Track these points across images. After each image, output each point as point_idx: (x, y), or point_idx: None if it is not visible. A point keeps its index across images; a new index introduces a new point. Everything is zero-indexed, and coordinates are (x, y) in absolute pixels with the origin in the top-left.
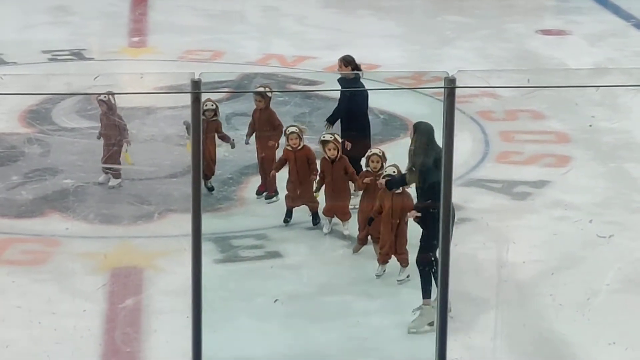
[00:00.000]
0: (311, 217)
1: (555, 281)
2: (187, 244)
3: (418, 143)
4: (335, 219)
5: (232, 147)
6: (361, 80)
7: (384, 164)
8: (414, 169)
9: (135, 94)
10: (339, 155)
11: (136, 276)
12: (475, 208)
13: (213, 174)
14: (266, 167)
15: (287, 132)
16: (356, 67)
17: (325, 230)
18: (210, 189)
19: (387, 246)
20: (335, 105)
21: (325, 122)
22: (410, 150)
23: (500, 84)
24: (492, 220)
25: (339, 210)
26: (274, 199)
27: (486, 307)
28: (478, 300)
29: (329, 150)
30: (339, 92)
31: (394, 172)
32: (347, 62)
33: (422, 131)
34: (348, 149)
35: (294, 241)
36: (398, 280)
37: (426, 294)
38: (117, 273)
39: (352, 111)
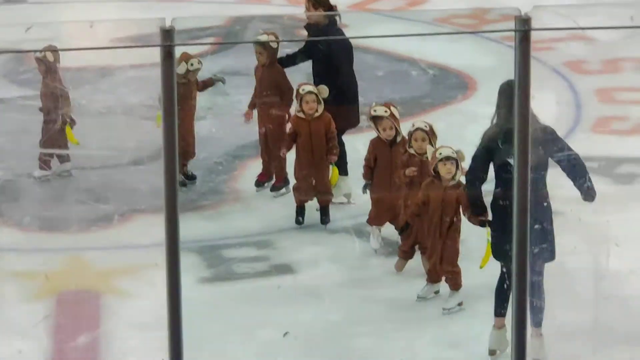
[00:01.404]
0: (319, 213)
1: None
2: (161, 257)
3: (498, 109)
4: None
5: (223, 82)
6: (338, 26)
7: (432, 142)
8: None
9: (84, 49)
10: (398, 135)
11: (91, 303)
12: (562, 197)
13: (193, 157)
14: (271, 146)
15: (301, 92)
16: (330, 9)
17: (373, 244)
18: (190, 178)
19: (434, 257)
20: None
21: None
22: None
23: (594, 22)
24: (587, 214)
25: (394, 213)
26: (283, 190)
27: (580, 332)
28: (569, 324)
29: (384, 130)
30: (307, 40)
31: (452, 153)
32: (318, 1)
33: (501, 93)
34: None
35: (310, 251)
36: (444, 309)
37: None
38: (65, 299)
39: (330, 69)
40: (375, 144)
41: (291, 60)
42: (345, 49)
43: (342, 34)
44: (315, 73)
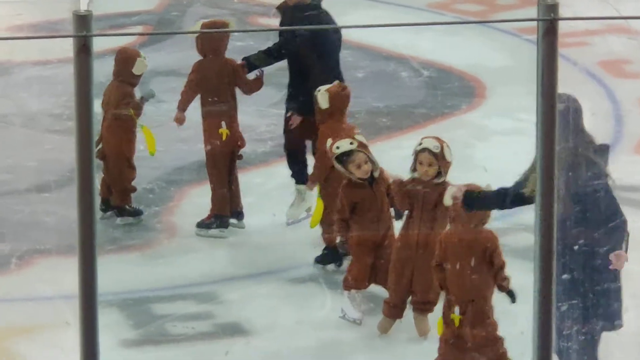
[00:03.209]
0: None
1: None
2: (72, 313)
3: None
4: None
5: (152, 95)
6: (323, 8)
7: (442, 168)
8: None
9: None
10: (375, 167)
11: None
12: None
13: (131, 184)
14: (220, 167)
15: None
16: None
17: (354, 314)
18: (135, 214)
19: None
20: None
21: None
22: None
23: (638, 10)
24: (630, 263)
25: (382, 272)
26: (214, 230)
27: None
28: None
29: (359, 167)
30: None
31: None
32: None
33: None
34: (292, 126)
35: (267, 306)
36: None
37: None
38: None
39: (308, 62)
40: (349, 189)
41: (261, 59)
42: (329, 38)
43: (330, 19)
44: (293, 69)
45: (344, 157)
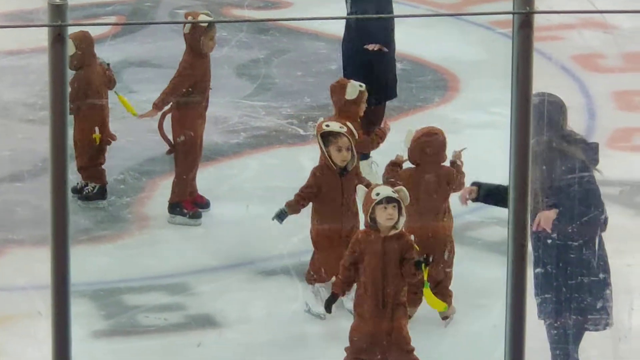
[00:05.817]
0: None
1: None
2: (44, 303)
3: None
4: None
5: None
6: None
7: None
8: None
9: None
10: (354, 159)
11: None
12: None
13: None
14: (192, 156)
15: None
16: None
17: (318, 307)
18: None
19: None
20: None
21: None
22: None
23: (615, 4)
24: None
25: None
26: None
27: None
28: None
29: (339, 150)
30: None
31: (395, 195)
32: None
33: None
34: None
35: (239, 298)
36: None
37: None
38: None
39: (357, 43)
40: (320, 172)
41: None
42: (383, 19)
43: None
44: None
45: (330, 137)
